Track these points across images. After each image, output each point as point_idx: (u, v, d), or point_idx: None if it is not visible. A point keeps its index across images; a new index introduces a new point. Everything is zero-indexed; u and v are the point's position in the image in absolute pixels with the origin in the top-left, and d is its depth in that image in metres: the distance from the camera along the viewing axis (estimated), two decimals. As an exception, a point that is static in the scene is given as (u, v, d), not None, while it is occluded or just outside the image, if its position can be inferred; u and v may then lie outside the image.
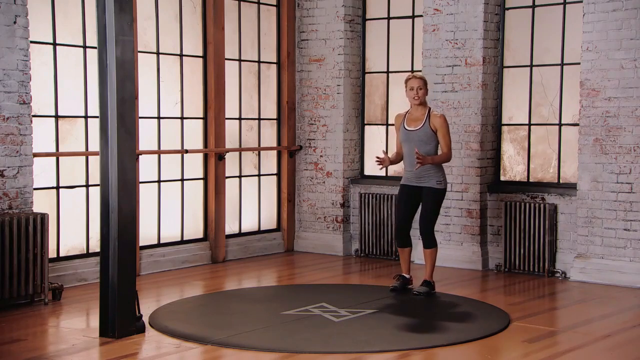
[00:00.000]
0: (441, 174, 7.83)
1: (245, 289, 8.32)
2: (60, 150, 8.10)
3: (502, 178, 9.36)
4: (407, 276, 8.02)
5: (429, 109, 7.89)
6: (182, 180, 9.30)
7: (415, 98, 7.82)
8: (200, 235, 9.51)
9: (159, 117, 9.02)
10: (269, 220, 10.37)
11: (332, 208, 10.22)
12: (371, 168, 10.25)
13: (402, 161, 8.03)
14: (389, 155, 8.08)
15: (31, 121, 7.57)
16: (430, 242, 7.86)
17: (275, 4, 10.27)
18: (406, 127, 7.86)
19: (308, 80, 10.35)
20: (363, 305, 7.34)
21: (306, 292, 7.93)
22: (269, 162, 10.34)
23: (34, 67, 7.72)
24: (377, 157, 7.85)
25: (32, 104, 7.60)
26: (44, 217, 7.37)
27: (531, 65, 9.14)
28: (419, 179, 7.82)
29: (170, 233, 9.21)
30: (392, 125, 10.06)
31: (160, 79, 9.01)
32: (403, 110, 8.12)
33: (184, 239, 9.33)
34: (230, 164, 9.79)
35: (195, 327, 6.64)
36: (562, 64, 8.96)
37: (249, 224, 10.13)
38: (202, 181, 9.49)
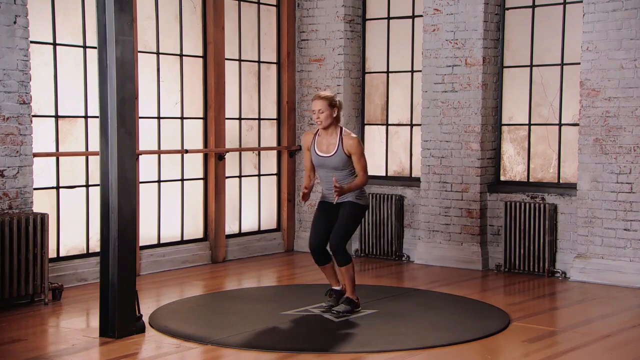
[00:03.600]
0: (360, 191, 7.02)
1: (245, 289, 8.32)
2: (60, 150, 8.10)
3: (502, 178, 9.36)
4: (337, 288, 7.20)
5: (341, 129, 7.00)
6: (182, 180, 9.30)
7: (317, 122, 6.96)
8: (200, 235, 9.51)
9: (159, 117, 9.02)
10: (269, 220, 10.36)
11: (332, 208, 10.20)
12: (371, 168, 10.22)
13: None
14: (306, 185, 7.16)
15: (31, 121, 7.57)
16: (342, 259, 6.95)
17: (275, 4, 10.27)
18: (318, 152, 7.01)
19: (308, 80, 10.35)
20: (363, 305, 7.33)
21: (306, 292, 7.92)
22: (269, 162, 10.34)
23: (34, 67, 7.72)
24: (302, 194, 7.01)
25: (32, 104, 7.60)
26: (44, 217, 7.36)
27: (531, 65, 9.14)
28: (338, 199, 6.98)
29: (170, 233, 9.21)
30: (392, 125, 10.08)
31: (160, 79, 9.01)
32: (314, 129, 7.23)
33: (184, 239, 9.33)
34: (230, 164, 9.79)
35: (195, 327, 6.64)
36: (562, 64, 8.96)
37: (249, 224, 10.13)
38: (202, 181, 9.49)
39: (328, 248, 7.09)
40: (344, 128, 7.04)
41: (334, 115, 6.94)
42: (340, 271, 7.08)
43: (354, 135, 6.98)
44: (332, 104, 6.91)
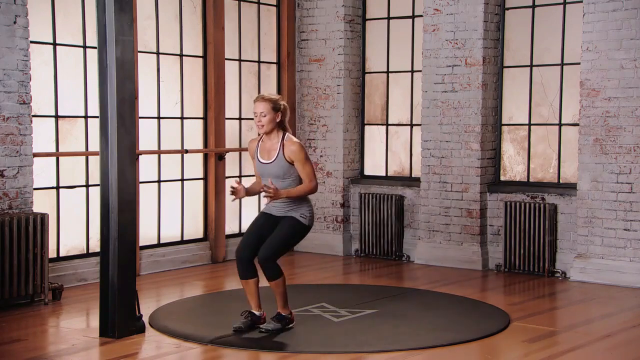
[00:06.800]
0: (307, 209, 6.43)
1: (245, 289, 8.32)
2: (60, 150, 8.10)
3: (502, 178, 9.36)
4: (257, 314, 6.54)
5: (284, 135, 6.41)
6: (182, 180, 9.30)
7: (258, 125, 6.37)
8: (200, 235, 9.51)
9: (159, 117, 9.02)
10: (269, 220, 10.35)
11: (332, 208, 10.22)
12: (371, 168, 10.25)
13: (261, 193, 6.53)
14: (246, 185, 6.64)
15: (31, 121, 7.57)
16: (272, 274, 6.32)
17: (275, 4, 10.27)
18: (260, 158, 6.45)
19: (308, 80, 10.35)
20: (363, 305, 7.34)
21: (306, 292, 7.92)
22: (269, 162, 10.32)
23: (34, 67, 7.72)
24: (232, 187, 6.42)
25: (32, 104, 7.60)
26: (44, 217, 7.36)
27: (531, 65, 9.14)
28: (281, 211, 6.45)
29: (170, 233, 9.20)
30: (392, 125, 10.08)
31: (160, 79, 9.01)
32: (258, 136, 6.61)
33: (184, 239, 9.33)
34: (230, 164, 9.79)
35: (195, 327, 6.63)
36: (562, 64, 8.96)
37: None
38: (202, 181, 9.49)
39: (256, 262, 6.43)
40: (288, 133, 6.45)
41: (277, 120, 6.37)
42: (270, 285, 6.41)
43: (295, 140, 6.42)
44: (275, 107, 6.35)
